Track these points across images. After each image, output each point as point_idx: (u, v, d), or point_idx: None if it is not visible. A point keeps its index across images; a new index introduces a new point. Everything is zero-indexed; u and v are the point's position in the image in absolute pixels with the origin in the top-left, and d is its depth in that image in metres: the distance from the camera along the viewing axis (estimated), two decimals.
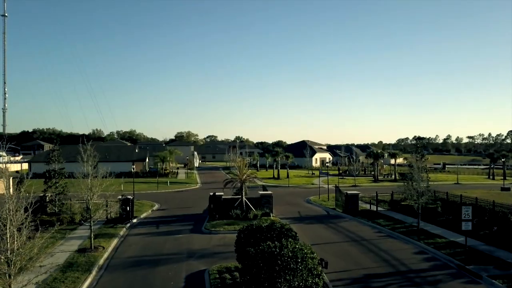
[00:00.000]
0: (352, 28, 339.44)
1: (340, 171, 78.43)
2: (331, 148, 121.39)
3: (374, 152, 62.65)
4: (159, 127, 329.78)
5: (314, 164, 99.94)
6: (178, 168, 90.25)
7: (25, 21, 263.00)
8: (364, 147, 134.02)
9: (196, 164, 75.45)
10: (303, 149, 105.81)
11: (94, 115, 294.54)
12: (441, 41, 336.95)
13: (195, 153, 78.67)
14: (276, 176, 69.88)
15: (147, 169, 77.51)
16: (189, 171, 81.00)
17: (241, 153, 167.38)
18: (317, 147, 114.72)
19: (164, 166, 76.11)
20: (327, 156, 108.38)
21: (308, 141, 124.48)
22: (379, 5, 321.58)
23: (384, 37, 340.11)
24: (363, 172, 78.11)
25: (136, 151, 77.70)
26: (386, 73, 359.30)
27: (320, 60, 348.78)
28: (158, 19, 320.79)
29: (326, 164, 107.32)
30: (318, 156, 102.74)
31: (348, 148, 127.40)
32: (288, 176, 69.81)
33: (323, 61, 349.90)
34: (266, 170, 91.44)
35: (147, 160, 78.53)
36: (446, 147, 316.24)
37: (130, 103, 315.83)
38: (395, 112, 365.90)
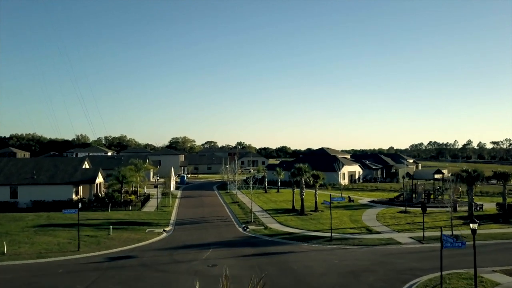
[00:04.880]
0: (358, 30, 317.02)
1: (393, 197, 52.11)
2: (358, 158, 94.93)
3: (469, 172, 36.08)
4: (158, 133, 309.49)
5: (341, 180, 73.79)
6: (157, 186, 63.67)
7: (14, 24, 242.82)
8: (396, 157, 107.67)
9: (172, 187, 49.05)
10: (326, 160, 79.78)
11: (83, 120, 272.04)
12: (449, 44, 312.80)
13: (172, 169, 52.41)
14: (297, 207, 43.69)
15: (102, 195, 51.51)
16: (166, 194, 54.70)
17: (242, 163, 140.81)
18: (340, 156, 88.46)
19: (124, 189, 49.97)
20: (357, 169, 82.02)
21: (328, 148, 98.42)
22: (389, 8, 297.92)
23: (389, 41, 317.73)
24: (415, 196, 51.31)
25: (85, 166, 51.62)
26: (394, 77, 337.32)
27: (325, 63, 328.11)
28: (157, 22, 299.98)
29: (356, 180, 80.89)
30: (346, 169, 76.54)
31: (376, 156, 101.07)
32: (316, 208, 43.55)
33: (328, 65, 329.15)
34: (278, 191, 65.22)
35: (100, 179, 52.45)
36: (466, 153, 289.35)
37: (126, 108, 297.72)
38: (407, 116, 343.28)
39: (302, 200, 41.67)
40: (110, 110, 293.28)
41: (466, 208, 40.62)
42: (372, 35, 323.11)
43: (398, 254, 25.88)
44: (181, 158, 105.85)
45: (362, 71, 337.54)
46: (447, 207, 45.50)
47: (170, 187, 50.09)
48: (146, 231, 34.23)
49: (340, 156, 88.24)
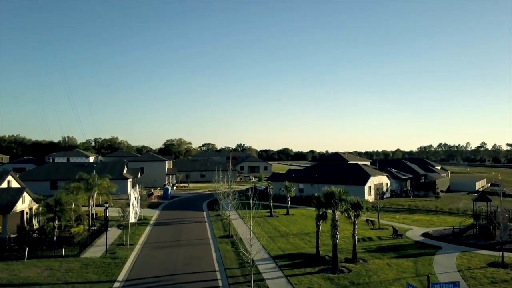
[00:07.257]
0: (362, 30, 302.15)
1: (459, 226, 35.43)
2: (381, 166, 78.04)
3: None
4: (158, 134, 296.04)
5: (366, 195, 57.32)
6: (129, 204, 46.56)
7: (12, 24, 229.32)
8: (423, 163, 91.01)
9: (132, 219, 31.90)
10: (345, 169, 63.64)
11: (76, 122, 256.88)
12: (451, 45, 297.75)
13: (137, 188, 35.82)
14: (324, 251, 27.20)
15: (33, 227, 35.08)
16: (124, 226, 37.92)
17: (242, 168, 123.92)
18: (361, 163, 72.05)
19: (69, 218, 33.29)
20: (384, 180, 65.30)
21: (344, 153, 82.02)
22: (401, 10, 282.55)
23: (391, 41, 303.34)
24: (493, 227, 34.56)
25: (9, 184, 35.01)
26: (397, 78, 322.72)
27: (326, 64, 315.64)
28: (156, 24, 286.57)
29: (385, 195, 64.22)
30: (371, 182, 59.96)
31: (400, 163, 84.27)
32: (355, 256, 26.94)
33: (330, 66, 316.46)
34: (287, 214, 48.59)
35: (26, 205, 35.84)
36: (479, 156, 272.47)
37: (126, 110, 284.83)
38: (412, 117, 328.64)
39: (335, 247, 25.02)
40: (111, 111, 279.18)
41: None
42: (376, 35, 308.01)
43: None
44: (169, 164, 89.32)
45: (364, 72, 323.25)
46: None
47: (128, 218, 32.97)
48: None
49: (360, 163, 71.82)
